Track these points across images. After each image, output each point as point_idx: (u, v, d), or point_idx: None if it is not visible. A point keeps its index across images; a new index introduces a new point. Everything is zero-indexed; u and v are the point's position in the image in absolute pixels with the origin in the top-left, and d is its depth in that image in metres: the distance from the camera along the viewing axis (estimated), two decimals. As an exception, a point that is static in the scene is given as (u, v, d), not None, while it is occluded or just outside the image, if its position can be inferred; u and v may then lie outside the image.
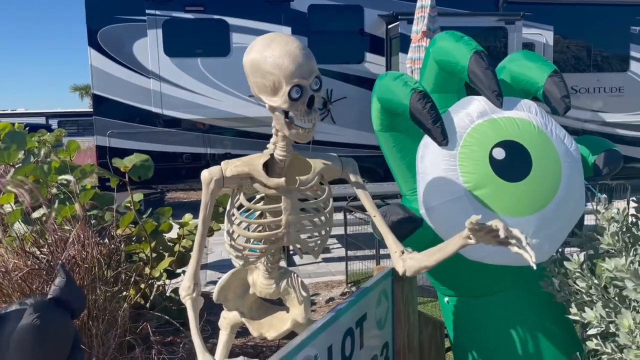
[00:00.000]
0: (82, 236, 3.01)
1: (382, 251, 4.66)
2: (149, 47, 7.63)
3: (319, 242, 1.75)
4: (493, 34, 8.40)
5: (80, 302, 1.86)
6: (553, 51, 8.86)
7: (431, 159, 1.77)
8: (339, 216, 5.50)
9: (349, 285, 4.95)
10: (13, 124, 6.91)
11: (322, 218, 1.71)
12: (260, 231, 1.67)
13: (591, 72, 9.12)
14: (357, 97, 8.28)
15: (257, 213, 1.70)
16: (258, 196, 1.73)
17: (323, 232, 1.75)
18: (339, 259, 5.62)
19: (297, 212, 1.64)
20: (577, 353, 1.87)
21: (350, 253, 5.05)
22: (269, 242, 1.69)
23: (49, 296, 1.76)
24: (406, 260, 1.59)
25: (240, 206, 1.67)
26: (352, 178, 1.67)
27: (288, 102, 1.48)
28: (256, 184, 1.63)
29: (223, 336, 1.85)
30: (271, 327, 1.79)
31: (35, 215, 3.40)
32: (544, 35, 8.83)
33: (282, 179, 1.61)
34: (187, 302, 1.64)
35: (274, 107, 1.53)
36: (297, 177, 1.62)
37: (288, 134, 1.55)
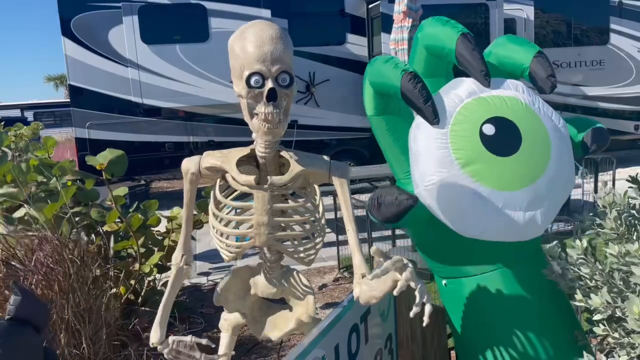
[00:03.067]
0: (50, 239, 2.90)
1: (374, 234, 4.64)
2: (125, 34, 7.40)
3: (301, 249, 1.66)
4: (474, 11, 8.34)
5: (41, 315, 1.77)
6: (534, 26, 8.86)
7: (423, 139, 1.78)
8: (328, 201, 5.46)
9: (342, 270, 4.93)
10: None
11: (306, 225, 1.63)
12: (234, 228, 1.64)
13: (572, 46, 9.14)
14: (340, 80, 8.19)
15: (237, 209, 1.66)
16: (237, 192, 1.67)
17: (307, 239, 1.66)
18: (329, 244, 5.58)
19: (270, 213, 1.56)
20: (579, 331, 1.88)
21: (341, 238, 5.02)
22: (243, 240, 1.65)
23: (5, 317, 1.68)
24: (362, 285, 1.48)
25: (216, 199, 1.64)
26: (338, 185, 1.58)
27: (245, 89, 1.42)
28: (230, 178, 1.58)
29: (224, 339, 1.80)
30: (275, 327, 1.74)
31: (16, 215, 3.29)
32: (525, 11, 8.80)
33: (252, 177, 1.54)
34: (172, 271, 1.69)
35: (237, 94, 1.48)
36: (268, 177, 1.55)
37: (250, 125, 1.49)
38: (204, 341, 1.65)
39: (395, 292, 1.36)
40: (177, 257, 1.71)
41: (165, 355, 1.65)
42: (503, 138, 1.75)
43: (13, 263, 2.83)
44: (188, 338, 1.66)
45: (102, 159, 3.18)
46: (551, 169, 1.76)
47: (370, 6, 8.19)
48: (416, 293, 1.39)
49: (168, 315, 1.69)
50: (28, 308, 1.69)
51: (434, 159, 1.74)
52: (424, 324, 1.38)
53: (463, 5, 8.29)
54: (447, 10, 8.17)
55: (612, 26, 9.24)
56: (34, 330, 1.70)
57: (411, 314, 1.39)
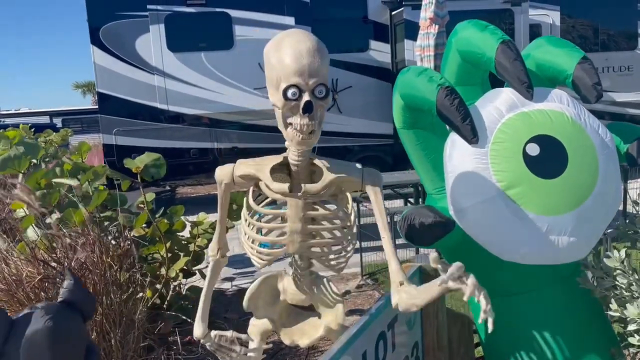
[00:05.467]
0: (91, 240, 2.97)
1: (398, 241, 4.61)
2: (152, 43, 7.55)
3: (332, 256, 1.65)
4: (498, 17, 8.26)
5: (89, 304, 1.83)
6: (560, 31, 8.74)
7: (460, 158, 1.68)
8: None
9: (365, 277, 4.91)
10: (18, 125, 6.91)
11: (337, 232, 1.62)
12: (266, 235, 1.65)
13: (599, 52, 8.98)
14: (363, 86, 8.20)
15: (269, 216, 1.66)
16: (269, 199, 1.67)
17: (339, 247, 1.65)
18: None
19: (303, 221, 1.57)
20: (616, 348, 1.82)
21: (364, 244, 5.00)
22: (275, 248, 1.65)
23: (59, 299, 1.73)
24: (401, 293, 1.46)
25: (249, 207, 1.65)
26: (372, 193, 1.55)
27: (282, 101, 1.43)
28: (263, 186, 1.59)
29: (253, 345, 1.81)
30: (303, 334, 1.74)
31: (48, 219, 3.36)
32: (551, 16, 8.70)
33: (286, 185, 1.55)
34: (210, 263, 1.77)
35: (272, 103, 1.48)
36: (302, 185, 1.55)
37: (285, 133, 1.50)
38: (243, 336, 1.74)
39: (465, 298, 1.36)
40: (213, 248, 1.76)
41: (207, 348, 1.75)
42: (548, 159, 1.63)
43: (52, 264, 2.89)
44: (229, 333, 1.74)
45: (139, 162, 3.25)
46: (598, 190, 1.65)
47: (393, 13, 8.19)
48: (481, 300, 1.38)
49: (208, 308, 1.76)
50: (79, 294, 1.75)
51: (472, 180, 1.64)
52: (489, 331, 1.39)
53: (488, 11, 8.22)
54: (471, 16, 8.04)
55: (641, 31, 9.07)
56: (81, 318, 1.76)
57: (480, 320, 1.40)
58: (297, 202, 1.56)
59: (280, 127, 1.51)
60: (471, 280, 1.35)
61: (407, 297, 1.43)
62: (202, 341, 1.74)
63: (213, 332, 1.73)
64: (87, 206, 3.24)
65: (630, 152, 1.82)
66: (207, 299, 1.75)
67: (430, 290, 1.39)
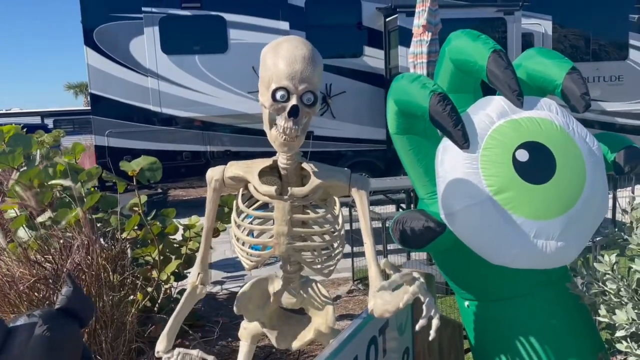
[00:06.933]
0: (86, 242, 2.96)
1: (389, 246, 4.63)
2: (146, 45, 7.54)
3: (320, 260, 1.66)
4: (491, 25, 8.34)
5: (88, 311, 1.83)
6: (552, 41, 8.83)
7: (451, 163, 1.71)
8: (344, 212, 5.43)
9: (356, 282, 4.92)
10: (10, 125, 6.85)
11: (326, 236, 1.64)
12: (255, 237, 1.66)
13: (590, 62, 9.08)
14: (356, 92, 8.24)
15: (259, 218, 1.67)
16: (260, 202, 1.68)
17: (327, 250, 1.66)
18: (344, 255, 5.56)
19: (289, 224, 1.59)
20: (603, 352, 1.85)
21: (355, 249, 5.01)
22: (263, 249, 1.66)
23: (56, 306, 1.73)
24: (376, 299, 1.46)
25: (238, 208, 1.66)
26: (357, 198, 1.58)
27: (270, 101, 1.46)
28: (252, 188, 1.62)
29: (244, 347, 1.81)
30: (294, 337, 1.74)
31: (39, 219, 3.35)
32: (543, 25, 8.79)
33: (273, 188, 1.58)
34: (187, 288, 1.69)
35: (261, 102, 1.52)
36: (289, 188, 1.58)
37: (268, 135, 1.52)
38: (210, 358, 1.60)
39: (401, 305, 1.36)
40: (193, 274, 1.70)
41: None
42: (537, 164, 1.68)
43: (48, 264, 2.88)
44: (195, 352, 1.62)
45: (135, 166, 3.25)
46: (585, 196, 1.69)
47: (387, 19, 8.24)
48: (423, 307, 1.39)
49: (178, 328, 1.66)
50: (77, 301, 1.74)
51: (463, 184, 1.68)
52: (430, 338, 1.39)
53: (481, 19, 8.30)
54: (464, 24, 8.15)
55: (632, 42, 9.18)
56: (78, 324, 1.75)
57: (417, 327, 1.39)
58: (284, 204, 1.58)
59: (265, 127, 1.53)
60: (415, 285, 1.37)
61: (381, 302, 1.44)
62: (163, 357, 1.61)
63: (177, 350, 1.61)
64: (80, 207, 3.23)
65: (617, 160, 1.86)
66: (177, 320, 1.65)
67: (398, 296, 1.40)
